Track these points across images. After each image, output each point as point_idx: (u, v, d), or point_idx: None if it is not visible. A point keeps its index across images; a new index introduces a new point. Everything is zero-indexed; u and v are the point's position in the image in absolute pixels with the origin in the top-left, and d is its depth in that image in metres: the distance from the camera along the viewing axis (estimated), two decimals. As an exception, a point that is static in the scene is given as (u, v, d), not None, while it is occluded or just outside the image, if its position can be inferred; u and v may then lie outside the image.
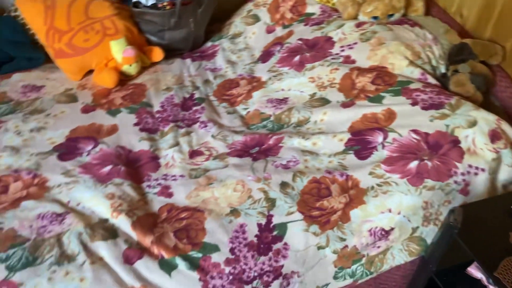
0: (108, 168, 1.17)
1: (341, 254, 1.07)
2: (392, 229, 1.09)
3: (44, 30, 1.46)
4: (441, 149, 1.14)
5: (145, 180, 1.18)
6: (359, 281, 1.11)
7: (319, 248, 1.05)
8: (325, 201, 1.11)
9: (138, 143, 1.28)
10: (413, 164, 1.12)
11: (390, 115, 1.24)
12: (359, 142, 1.21)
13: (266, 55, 1.66)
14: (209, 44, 1.81)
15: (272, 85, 1.52)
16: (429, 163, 1.12)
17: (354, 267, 1.09)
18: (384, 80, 1.34)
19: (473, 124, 1.16)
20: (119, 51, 1.48)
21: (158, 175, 1.20)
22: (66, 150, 1.23)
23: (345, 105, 1.33)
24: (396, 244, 1.11)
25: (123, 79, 1.52)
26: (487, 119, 1.17)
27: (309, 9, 1.75)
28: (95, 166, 1.18)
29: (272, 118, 1.40)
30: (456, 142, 1.15)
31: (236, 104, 1.50)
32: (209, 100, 1.51)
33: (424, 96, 1.25)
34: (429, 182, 1.10)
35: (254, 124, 1.40)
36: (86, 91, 1.47)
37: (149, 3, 1.54)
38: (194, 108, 1.46)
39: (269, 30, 1.77)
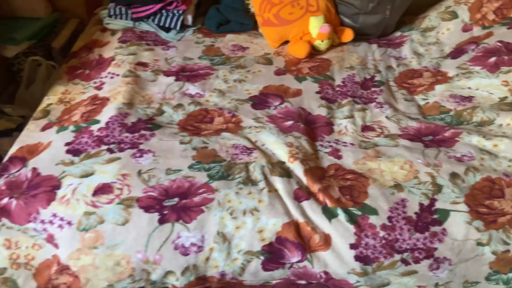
0: (290, 122, 1.34)
1: (501, 257, 1.03)
2: None
3: (260, 1, 1.71)
4: None
5: (319, 140, 1.31)
6: (513, 293, 1.05)
7: (479, 244, 1.04)
8: (496, 201, 1.07)
9: (317, 108, 1.43)
10: None
11: None
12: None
13: (457, 52, 1.62)
14: (397, 33, 1.85)
15: (459, 82, 1.49)
16: None
17: (510, 275, 1.04)
18: None
19: None
20: (316, 27, 1.64)
21: (331, 138, 1.32)
22: (258, 101, 1.45)
23: (541, 114, 1.23)
24: None
25: (313, 52, 1.68)
26: None
27: (518, 12, 1.63)
28: (279, 119, 1.37)
29: (452, 113, 1.38)
30: None
31: (415, 93, 1.52)
32: (389, 85, 1.57)
33: None
34: None
35: (431, 115, 1.41)
36: (280, 57, 1.68)
37: (351, -13, 1.66)
38: (373, 89, 1.53)
39: (466, 29, 1.71)
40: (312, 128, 1.36)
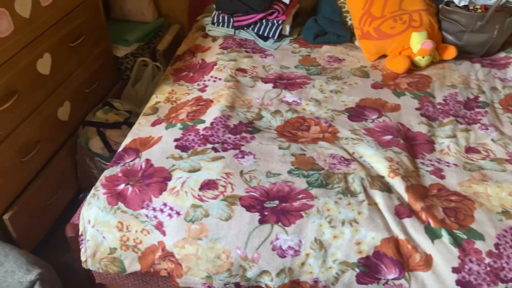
0: (388, 137, 1.33)
1: None
2: None
3: (360, 14, 1.72)
4: None
5: (419, 157, 1.29)
6: None
7: None
8: None
9: (417, 125, 1.40)
10: None
11: None
12: None
13: None
14: (502, 54, 1.75)
15: None
16: None
17: None
18: None
19: None
20: (418, 42, 1.61)
21: (432, 157, 1.29)
22: (355, 113, 1.45)
23: None
24: None
25: (411, 68, 1.65)
26: None
27: None
28: (377, 132, 1.36)
29: None
30: None
31: (524, 118, 1.43)
32: (493, 107, 1.49)
33: None
34: None
35: (543, 141, 1.32)
36: (377, 71, 1.67)
37: (461, 4, 1.61)
38: (477, 109, 1.47)
39: None
40: (411, 144, 1.34)
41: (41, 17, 1.45)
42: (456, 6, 1.62)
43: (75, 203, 1.60)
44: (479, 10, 1.58)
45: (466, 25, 1.62)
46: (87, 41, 1.74)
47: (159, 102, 1.58)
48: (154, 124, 1.45)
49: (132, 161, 1.29)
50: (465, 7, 1.60)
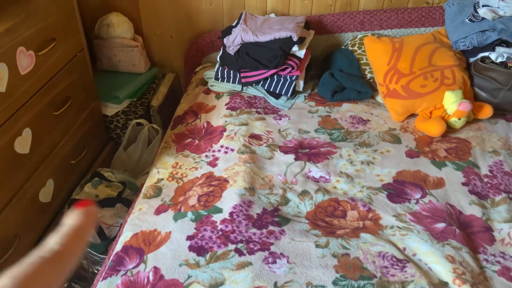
0: (441, 225, 1.13)
1: None
2: None
3: (385, 70, 1.54)
4: None
5: (481, 252, 1.09)
6: None
7: None
8: None
9: (468, 206, 1.21)
10: None
11: None
12: None
13: None
14: (539, 110, 1.61)
15: None
16: None
17: None
18: None
19: None
20: (454, 103, 1.44)
21: (495, 250, 1.09)
22: (394, 191, 1.25)
23: None
24: None
25: (446, 130, 1.48)
26: None
27: None
28: (426, 218, 1.16)
29: None
30: None
31: None
32: (546, 178, 1.32)
33: None
34: None
35: None
36: (408, 134, 1.49)
37: (498, 60, 1.45)
38: (530, 182, 1.30)
39: None
40: (468, 233, 1.14)
41: (20, 88, 1.20)
42: (493, 62, 1.47)
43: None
44: (519, 68, 1.43)
45: (504, 83, 1.47)
46: (73, 105, 1.49)
47: (162, 179, 1.34)
48: (158, 211, 1.21)
49: (135, 267, 1.04)
50: (503, 64, 1.45)
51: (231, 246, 1.06)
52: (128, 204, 1.47)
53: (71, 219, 0.38)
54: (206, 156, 1.41)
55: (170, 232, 1.12)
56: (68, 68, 1.45)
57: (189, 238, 1.09)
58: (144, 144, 1.73)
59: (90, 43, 1.84)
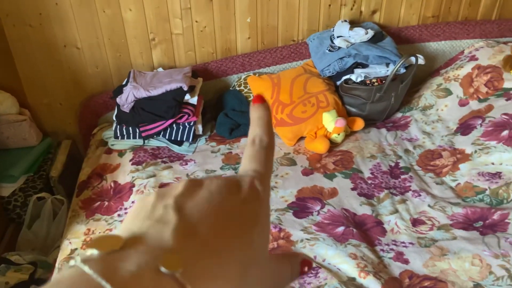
0: (341, 229, 1.30)
1: None
2: None
3: (270, 103, 1.73)
4: None
5: (377, 244, 1.28)
6: None
7: None
8: None
9: (360, 207, 1.40)
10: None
11: None
12: None
13: (465, 128, 1.70)
14: (399, 115, 1.92)
15: (479, 158, 1.54)
16: None
17: None
18: None
19: None
20: (331, 121, 1.67)
21: (387, 240, 1.29)
22: (298, 208, 1.40)
23: None
24: None
25: (330, 146, 1.70)
26: None
27: (506, 84, 1.77)
28: (328, 225, 1.32)
29: (488, 192, 1.42)
30: None
31: (442, 175, 1.55)
32: (414, 170, 1.59)
33: None
34: None
35: (468, 196, 1.43)
36: (301, 155, 1.67)
37: (358, 80, 1.73)
38: (402, 176, 1.55)
39: (462, 104, 1.82)
40: (364, 230, 1.32)
41: None
42: (354, 82, 1.74)
43: None
44: (376, 84, 1.72)
45: (367, 98, 1.74)
46: (-38, 193, 1.40)
47: (76, 249, 1.32)
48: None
49: None
50: (362, 82, 1.73)
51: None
52: (43, 283, 1.40)
53: (257, 111, 0.30)
54: (119, 215, 1.42)
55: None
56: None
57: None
58: (49, 218, 1.66)
59: (-30, 125, 1.74)
